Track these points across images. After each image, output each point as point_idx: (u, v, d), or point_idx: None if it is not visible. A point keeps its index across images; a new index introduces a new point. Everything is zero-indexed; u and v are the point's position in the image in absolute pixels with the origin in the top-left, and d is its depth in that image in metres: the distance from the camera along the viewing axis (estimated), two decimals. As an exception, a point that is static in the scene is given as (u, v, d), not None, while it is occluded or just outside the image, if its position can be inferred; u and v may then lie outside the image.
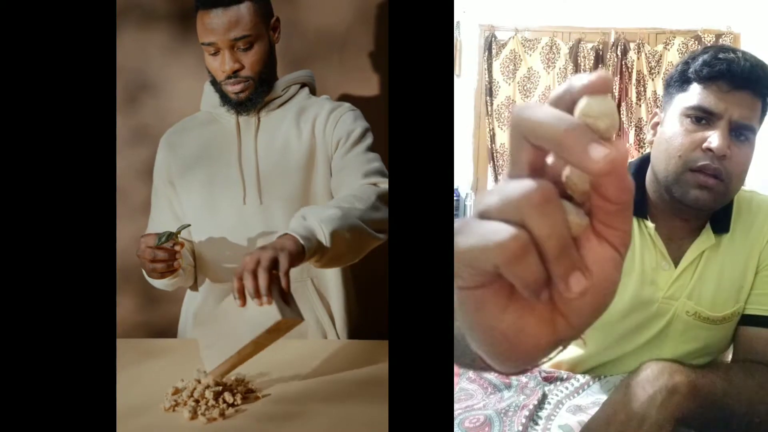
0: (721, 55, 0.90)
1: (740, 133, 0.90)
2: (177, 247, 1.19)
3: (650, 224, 0.96)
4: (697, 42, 3.24)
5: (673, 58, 3.30)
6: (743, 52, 0.91)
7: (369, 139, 1.33)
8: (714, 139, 0.88)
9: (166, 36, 1.79)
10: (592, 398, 0.94)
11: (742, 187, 1.00)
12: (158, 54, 1.80)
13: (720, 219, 0.96)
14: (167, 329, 1.85)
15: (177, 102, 1.77)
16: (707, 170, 0.89)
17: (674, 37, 3.28)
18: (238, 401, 0.94)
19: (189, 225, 1.26)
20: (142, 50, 1.79)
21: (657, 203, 0.97)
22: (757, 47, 3.16)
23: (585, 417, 0.88)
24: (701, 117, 0.90)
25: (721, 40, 3.21)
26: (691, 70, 0.92)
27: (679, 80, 0.94)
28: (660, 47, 3.36)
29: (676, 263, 0.96)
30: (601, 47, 3.30)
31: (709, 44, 0.90)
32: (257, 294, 0.91)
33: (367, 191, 1.19)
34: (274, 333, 0.93)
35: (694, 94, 0.91)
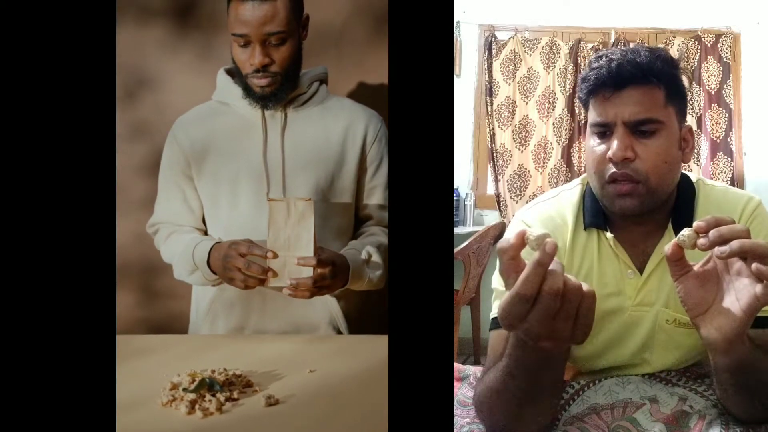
0: (593, 65, 0.92)
1: (641, 130, 0.91)
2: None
3: (609, 235, 0.96)
4: (697, 42, 3.24)
5: (672, 58, 3.30)
6: (611, 53, 0.92)
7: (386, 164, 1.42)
8: (612, 147, 0.90)
9: (163, 31, 1.79)
10: (588, 404, 0.93)
11: (703, 179, 1.00)
12: (156, 49, 1.80)
13: (680, 218, 0.95)
14: (166, 325, 1.85)
15: (175, 97, 1.77)
16: (619, 178, 0.90)
17: (674, 37, 3.28)
18: (235, 395, 0.94)
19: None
20: (139, 46, 1.79)
21: (610, 214, 0.97)
22: (757, 47, 3.19)
23: (581, 423, 0.89)
24: (601, 130, 0.93)
25: (721, 40, 3.21)
26: (582, 90, 0.95)
27: (582, 102, 0.98)
28: (660, 47, 3.36)
29: (643, 269, 0.96)
30: (601, 47, 3.30)
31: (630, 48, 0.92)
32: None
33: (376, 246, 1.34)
34: None
35: (591, 111, 0.95)
